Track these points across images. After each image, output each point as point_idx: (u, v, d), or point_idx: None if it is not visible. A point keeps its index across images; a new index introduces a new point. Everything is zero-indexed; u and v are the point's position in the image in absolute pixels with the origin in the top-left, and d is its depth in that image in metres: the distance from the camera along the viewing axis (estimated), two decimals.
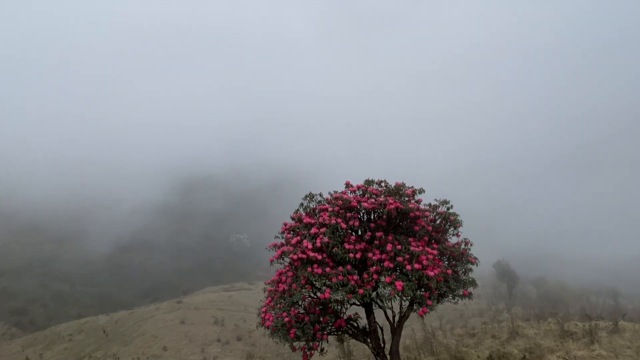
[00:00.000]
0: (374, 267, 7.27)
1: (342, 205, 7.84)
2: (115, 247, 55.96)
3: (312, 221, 7.98)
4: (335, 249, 7.42)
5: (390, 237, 7.61)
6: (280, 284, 8.16)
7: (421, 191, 8.08)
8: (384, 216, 7.80)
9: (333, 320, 7.96)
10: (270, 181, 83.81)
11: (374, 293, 7.25)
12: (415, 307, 7.46)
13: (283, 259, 8.01)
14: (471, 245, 8.06)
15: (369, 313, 8.18)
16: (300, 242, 7.73)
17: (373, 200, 7.76)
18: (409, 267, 7.04)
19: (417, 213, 7.67)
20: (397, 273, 7.19)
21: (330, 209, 7.90)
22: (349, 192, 8.22)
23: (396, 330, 8.17)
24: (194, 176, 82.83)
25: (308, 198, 8.54)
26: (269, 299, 8.45)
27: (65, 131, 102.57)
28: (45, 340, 25.53)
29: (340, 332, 8.19)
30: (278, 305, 8.18)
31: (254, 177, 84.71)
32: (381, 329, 8.41)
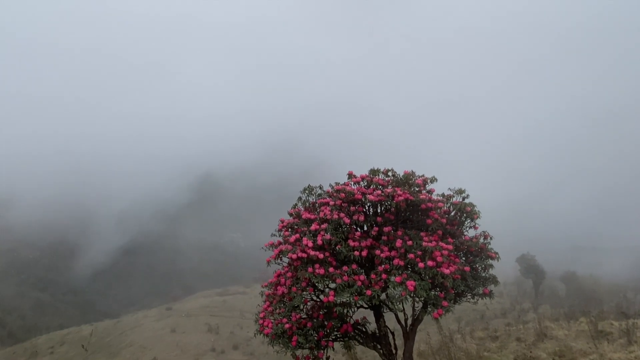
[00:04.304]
0: (383, 266, 7.25)
1: (345, 199, 7.79)
2: (99, 252, 56.37)
3: (312, 217, 7.94)
4: (339, 246, 7.39)
5: (399, 232, 7.56)
6: (278, 287, 8.16)
7: (433, 180, 8.01)
8: (392, 209, 7.74)
9: (339, 325, 7.96)
10: (276, 178, 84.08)
11: (383, 294, 7.24)
12: (429, 309, 7.44)
13: (281, 259, 7.99)
14: (491, 238, 8.02)
15: (379, 316, 8.18)
16: (299, 239, 7.70)
17: (379, 191, 7.70)
18: (421, 264, 7.00)
19: (429, 204, 7.62)
20: (409, 272, 7.16)
21: (332, 202, 7.85)
22: (352, 183, 8.15)
23: (409, 334, 8.17)
24: (195, 174, 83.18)
25: (307, 191, 8.49)
26: (267, 303, 8.44)
27: (59, 129, 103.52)
28: (25, 354, 25.85)
29: (347, 338, 8.20)
30: (277, 310, 8.18)
31: (260, 174, 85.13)
32: (392, 333, 8.41)
